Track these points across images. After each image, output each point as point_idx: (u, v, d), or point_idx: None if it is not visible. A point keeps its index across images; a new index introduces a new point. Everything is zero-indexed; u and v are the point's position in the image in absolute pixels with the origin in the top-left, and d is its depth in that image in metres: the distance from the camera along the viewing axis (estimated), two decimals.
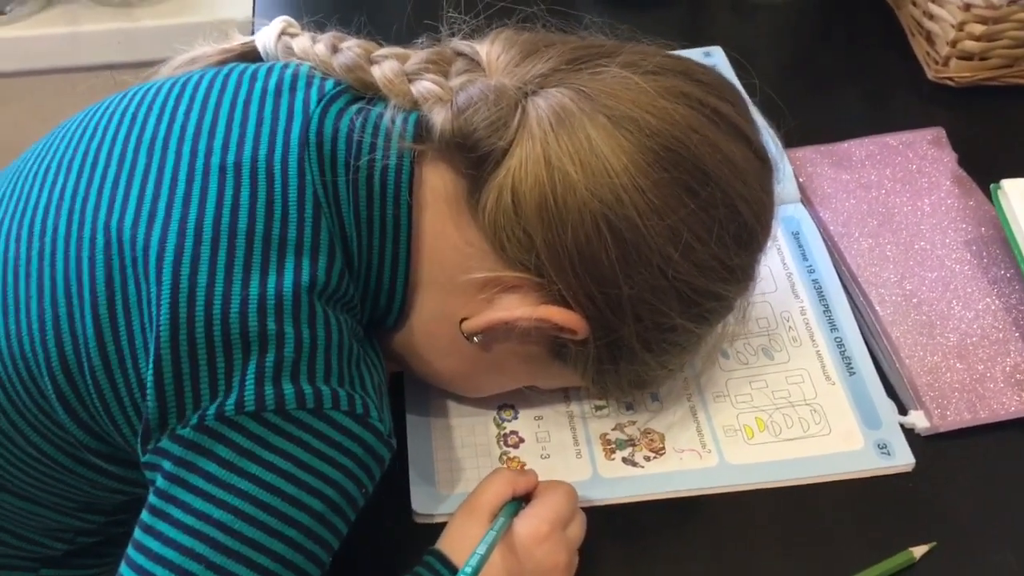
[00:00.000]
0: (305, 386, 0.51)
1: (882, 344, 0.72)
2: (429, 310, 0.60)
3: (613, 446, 0.67)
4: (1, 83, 1.02)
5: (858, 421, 0.68)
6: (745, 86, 0.92)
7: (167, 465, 0.51)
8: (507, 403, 0.69)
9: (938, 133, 0.87)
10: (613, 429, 0.68)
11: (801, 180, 0.83)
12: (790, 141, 0.86)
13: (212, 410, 0.50)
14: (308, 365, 0.52)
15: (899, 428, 0.68)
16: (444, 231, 0.58)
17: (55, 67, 1.08)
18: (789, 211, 0.81)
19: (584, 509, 0.63)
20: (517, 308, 0.57)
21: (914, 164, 0.84)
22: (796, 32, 1.07)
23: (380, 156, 0.56)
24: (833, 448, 0.67)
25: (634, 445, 0.67)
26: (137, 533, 0.51)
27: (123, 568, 0.51)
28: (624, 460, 0.67)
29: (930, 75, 0.95)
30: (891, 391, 0.71)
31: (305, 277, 0.53)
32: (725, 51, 0.98)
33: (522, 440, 0.68)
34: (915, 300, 0.74)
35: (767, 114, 0.88)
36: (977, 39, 0.90)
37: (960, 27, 0.90)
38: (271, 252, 0.53)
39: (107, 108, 0.61)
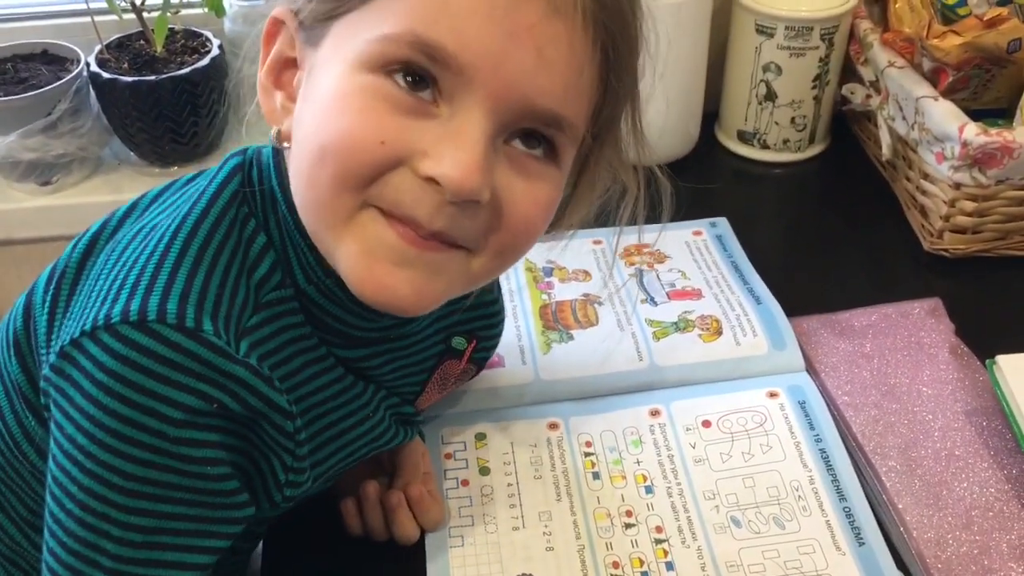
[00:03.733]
0: (133, 303, 0.52)
1: (889, 514, 0.75)
2: None
3: None
4: (48, 248, 1.08)
5: None
6: (750, 255, 0.98)
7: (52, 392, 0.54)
8: (526, 573, 0.71)
9: (935, 304, 0.91)
10: None
11: (806, 350, 0.87)
12: (793, 309, 0.91)
13: (67, 338, 0.53)
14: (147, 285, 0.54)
15: None
16: None
17: None
18: (795, 380, 0.85)
19: None
20: None
21: (913, 335, 0.88)
22: (796, 201, 1.13)
23: None
24: None
25: None
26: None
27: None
28: None
29: (926, 246, 1.00)
30: (899, 560, 0.73)
31: None
32: (729, 218, 1.04)
33: None
34: (919, 470, 0.77)
35: (771, 282, 0.94)
36: (969, 215, 0.96)
37: (952, 203, 0.95)
38: None
39: None
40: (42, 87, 1.09)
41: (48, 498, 0.55)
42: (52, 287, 0.59)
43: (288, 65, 0.58)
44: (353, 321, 0.62)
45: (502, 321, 0.79)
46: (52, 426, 0.54)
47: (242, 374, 0.53)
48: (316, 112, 0.54)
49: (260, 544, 0.73)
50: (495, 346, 0.79)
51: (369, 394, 0.66)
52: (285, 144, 0.58)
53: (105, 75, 1.08)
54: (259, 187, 0.59)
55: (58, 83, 1.09)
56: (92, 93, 1.12)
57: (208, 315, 0.53)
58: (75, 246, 0.61)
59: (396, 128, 0.52)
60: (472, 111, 0.52)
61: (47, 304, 0.59)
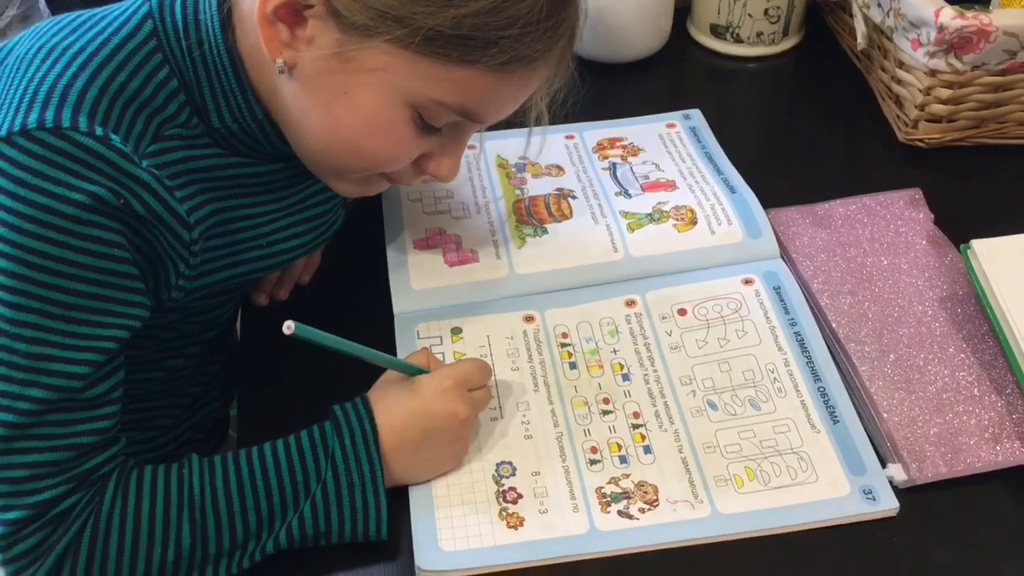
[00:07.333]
0: (48, 114, 0.59)
1: (861, 398, 0.75)
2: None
3: (608, 499, 0.70)
4: None
5: (843, 468, 0.71)
6: (724, 147, 0.97)
7: None
8: (505, 460, 0.72)
9: (915, 194, 0.91)
10: (608, 482, 0.71)
11: (783, 239, 0.87)
12: (768, 202, 0.90)
13: None
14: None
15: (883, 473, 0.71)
16: None
17: None
18: (770, 267, 0.85)
19: (582, 563, 0.66)
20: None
21: (891, 224, 0.88)
22: (771, 95, 1.12)
23: None
24: (820, 495, 0.69)
25: (629, 498, 0.70)
26: None
27: None
28: (619, 513, 0.69)
29: (901, 137, 0.99)
30: (871, 443, 0.73)
31: None
32: (703, 114, 1.02)
33: (520, 496, 0.70)
34: (892, 356, 0.77)
35: (746, 175, 0.93)
36: (944, 103, 0.95)
37: (927, 92, 0.94)
38: None
39: None
40: None
41: None
42: None
43: (296, 8, 0.62)
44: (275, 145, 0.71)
45: None
46: None
47: (146, 178, 0.62)
48: (357, 116, 0.65)
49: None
50: None
51: (287, 204, 0.76)
52: (286, 72, 0.64)
53: None
54: (180, 37, 0.66)
55: None
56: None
57: (111, 131, 0.61)
58: None
59: (418, 148, 0.68)
60: (468, 131, 0.70)
61: None
